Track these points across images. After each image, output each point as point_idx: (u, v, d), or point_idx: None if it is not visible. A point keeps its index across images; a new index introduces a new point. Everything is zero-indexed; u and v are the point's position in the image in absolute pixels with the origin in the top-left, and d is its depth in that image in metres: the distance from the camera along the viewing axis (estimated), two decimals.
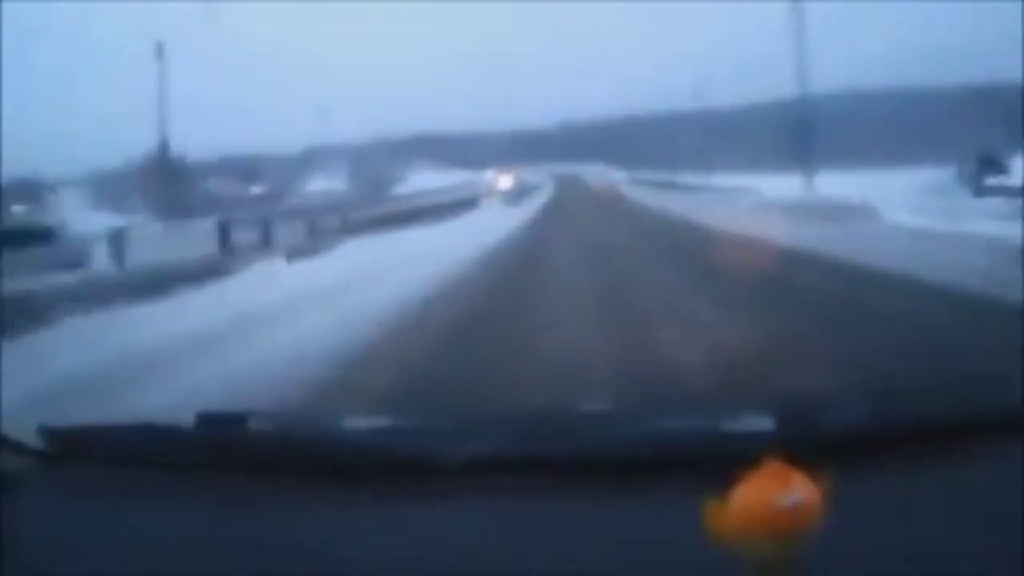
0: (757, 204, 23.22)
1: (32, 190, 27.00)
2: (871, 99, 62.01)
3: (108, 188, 35.61)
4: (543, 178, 61.50)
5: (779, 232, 14.31)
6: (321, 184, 39.81)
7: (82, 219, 23.26)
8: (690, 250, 13.98)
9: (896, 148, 42.09)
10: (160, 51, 27.16)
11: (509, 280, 10.56)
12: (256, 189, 36.66)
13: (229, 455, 1.25)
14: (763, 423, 1.26)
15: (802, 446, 0.93)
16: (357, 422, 1.53)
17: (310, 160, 49.60)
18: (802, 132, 29.45)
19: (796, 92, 30.89)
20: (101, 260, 13.85)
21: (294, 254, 12.36)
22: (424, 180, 43.02)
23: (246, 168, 42.01)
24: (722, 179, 37.87)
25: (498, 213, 27.10)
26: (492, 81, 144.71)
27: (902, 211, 16.97)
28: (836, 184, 24.37)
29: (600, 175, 62.18)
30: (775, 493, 0.80)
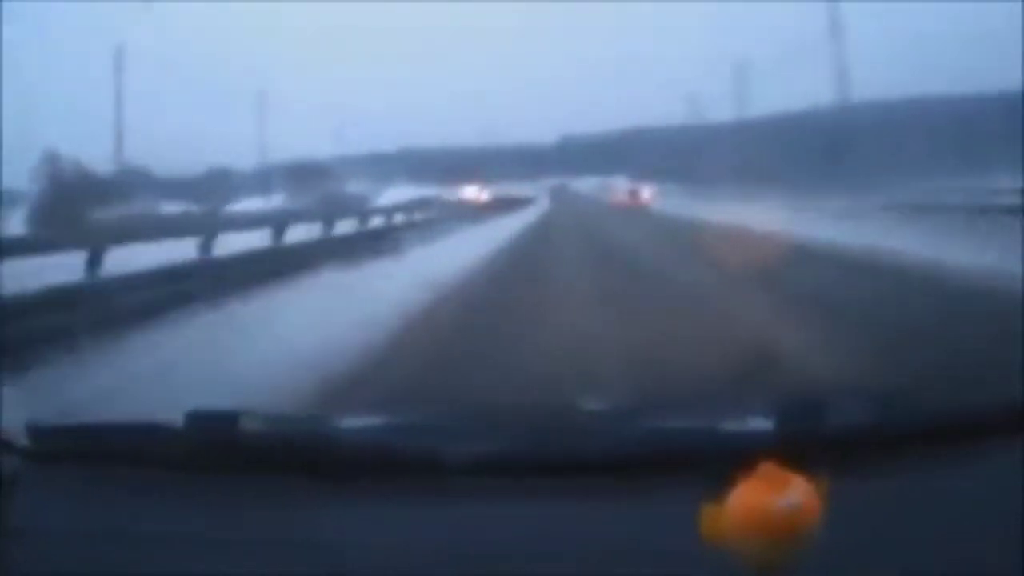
0: None
1: None
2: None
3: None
4: (536, 193, 54.42)
5: None
6: (258, 202, 35.91)
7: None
8: None
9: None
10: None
11: None
12: (173, 207, 32.15)
13: (219, 454, 1.22)
14: (763, 423, 1.23)
15: (802, 446, 0.93)
16: (352, 421, 1.49)
17: (266, 177, 44.95)
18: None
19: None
20: None
21: None
22: (396, 195, 37.58)
23: (179, 186, 37.96)
24: None
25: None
26: (491, 96, 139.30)
27: None
28: None
29: (606, 190, 52.71)
30: (771, 496, 0.80)
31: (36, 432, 1.27)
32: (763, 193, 31.15)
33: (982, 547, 0.97)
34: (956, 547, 0.97)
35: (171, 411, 1.24)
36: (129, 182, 31.88)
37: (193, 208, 32.13)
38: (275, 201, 34.69)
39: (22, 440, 1.27)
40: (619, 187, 43.89)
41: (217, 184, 39.68)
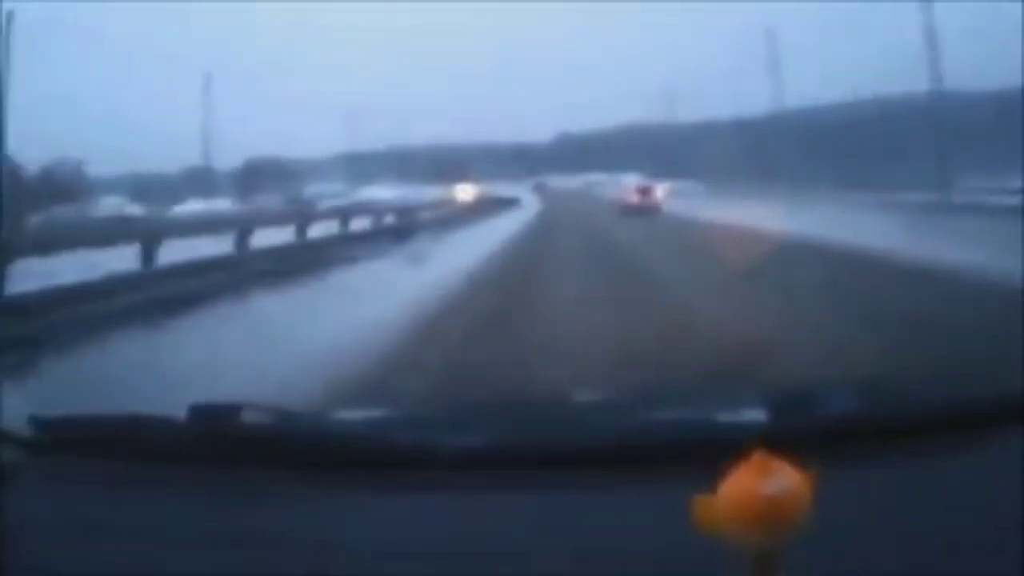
0: None
1: None
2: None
3: None
4: (528, 193, 50.98)
5: None
6: (201, 203, 33.49)
7: None
8: None
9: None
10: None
11: None
12: (118, 204, 30.84)
13: (222, 447, 1.22)
14: (756, 413, 1.27)
15: (794, 436, 0.94)
16: (352, 414, 1.51)
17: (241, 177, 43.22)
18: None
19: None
20: None
21: None
22: (369, 194, 37.09)
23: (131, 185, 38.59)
24: None
25: None
26: (485, 94, 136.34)
27: None
28: None
29: (602, 187, 47.92)
30: (763, 483, 0.80)
31: (38, 423, 1.28)
32: (775, 192, 28.16)
33: (972, 534, 0.97)
34: (946, 535, 0.98)
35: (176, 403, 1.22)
36: (65, 181, 29.88)
37: (128, 209, 29.77)
38: (222, 203, 32.50)
39: (24, 431, 1.27)
40: (628, 186, 35.20)
41: (199, 182, 38.48)
